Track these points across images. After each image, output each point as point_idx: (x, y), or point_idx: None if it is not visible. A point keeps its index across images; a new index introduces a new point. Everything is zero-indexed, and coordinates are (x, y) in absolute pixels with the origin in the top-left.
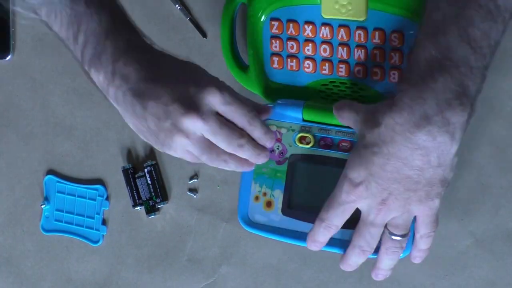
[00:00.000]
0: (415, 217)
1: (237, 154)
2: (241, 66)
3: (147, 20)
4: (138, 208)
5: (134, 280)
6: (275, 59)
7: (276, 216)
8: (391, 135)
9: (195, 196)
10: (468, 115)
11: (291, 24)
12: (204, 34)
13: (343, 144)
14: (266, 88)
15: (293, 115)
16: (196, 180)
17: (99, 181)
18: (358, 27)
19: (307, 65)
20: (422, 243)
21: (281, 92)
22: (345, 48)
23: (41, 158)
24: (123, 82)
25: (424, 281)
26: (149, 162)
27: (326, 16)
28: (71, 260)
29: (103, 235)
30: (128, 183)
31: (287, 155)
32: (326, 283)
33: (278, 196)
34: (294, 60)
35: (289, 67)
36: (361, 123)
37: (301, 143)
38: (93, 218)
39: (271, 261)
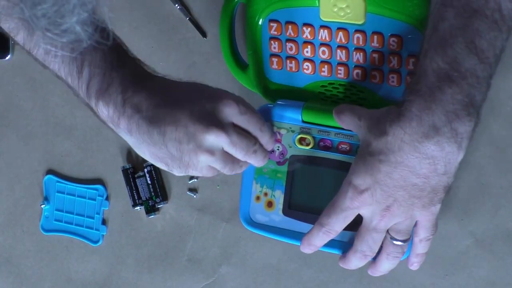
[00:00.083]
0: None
1: (249, 160)
2: (241, 66)
3: (147, 20)
4: (138, 208)
5: (134, 280)
6: (274, 60)
7: (277, 216)
8: (399, 144)
9: (195, 196)
10: (474, 124)
11: (290, 26)
12: (204, 34)
13: (342, 146)
14: (265, 88)
15: (292, 116)
16: (196, 180)
17: (99, 181)
18: (356, 31)
19: (306, 67)
20: (421, 247)
21: (281, 93)
22: (344, 51)
23: (41, 158)
24: (135, 111)
25: (424, 281)
26: (149, 162)
27: (325, 19)
28: (71, 260)
29: (103, 235)
30: (128, 183)
31: (287, 156)
32: (326, 283)
33: (278, 197)
34: (293, 62)
35: (288, 68)
36: (365, 130)
37: (301, 144)
38: (93, 218)
39: (271, 261)
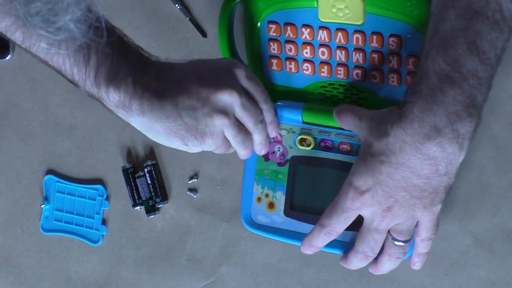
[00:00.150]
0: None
1: (254, 133)
2: None
3: (147, 20)
4: (138, 208)
5: (134, 280)
6: (274, 61)
7: (278, 218)
8: (400, 145)
9: (195, 196)
10: (475, 125)
11: (289, 27)
12: (204, 34)
13: (343, 146)
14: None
15: (293, 117)
16: (196, 180)
17: (99, 181)
18: (355, 31)
19: (306, 68)
20: (423, 247)
21: (281, 94)
22: (343, 51)
23: (41, 158)
24: (145, 90)
25: (424, 281)
26: (149, 162)
27: (324, 19)
28: (71, 260)
29: (103, 235)
30: (128, 183)
31: (288, 157)
32: (326, 283)
33: (280, 198)
34: (293, 63)
35: (287, 69)
36: (366, 130)
37: (302, 145)
38: (93, 218)
39: (271, 261)
